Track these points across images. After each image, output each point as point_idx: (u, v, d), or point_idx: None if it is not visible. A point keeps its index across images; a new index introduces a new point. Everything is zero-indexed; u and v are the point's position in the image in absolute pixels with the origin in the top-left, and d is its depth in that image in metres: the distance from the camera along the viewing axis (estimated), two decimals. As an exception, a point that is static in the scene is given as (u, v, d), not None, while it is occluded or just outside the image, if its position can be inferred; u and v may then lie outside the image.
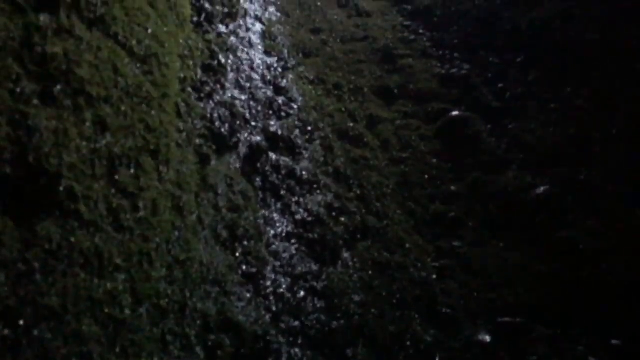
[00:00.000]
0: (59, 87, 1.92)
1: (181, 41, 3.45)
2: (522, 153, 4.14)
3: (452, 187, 4.00)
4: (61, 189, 1.66)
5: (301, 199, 3.45)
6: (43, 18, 2.08)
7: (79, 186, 1.74)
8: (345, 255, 3.27)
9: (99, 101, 2.09)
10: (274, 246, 3.00)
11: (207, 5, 4.24)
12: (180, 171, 2.50)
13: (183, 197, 2.39)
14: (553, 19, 5.03)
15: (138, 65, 2.56)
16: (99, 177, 1.87)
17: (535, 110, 4.44)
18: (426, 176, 4.09)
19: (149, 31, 2.77)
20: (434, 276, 3.30)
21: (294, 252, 3.09)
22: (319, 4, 6.39)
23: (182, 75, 3.25)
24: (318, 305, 2.82)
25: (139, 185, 2.06)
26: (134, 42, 2.60)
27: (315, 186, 3.62)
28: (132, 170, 2.08)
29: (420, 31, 5.93)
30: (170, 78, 2.82)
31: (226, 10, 4.51)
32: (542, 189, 3.74)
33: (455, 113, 4.53)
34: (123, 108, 2.22)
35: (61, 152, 1.73)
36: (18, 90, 1.76)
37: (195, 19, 4.06)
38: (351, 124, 4.46)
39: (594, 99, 4.26)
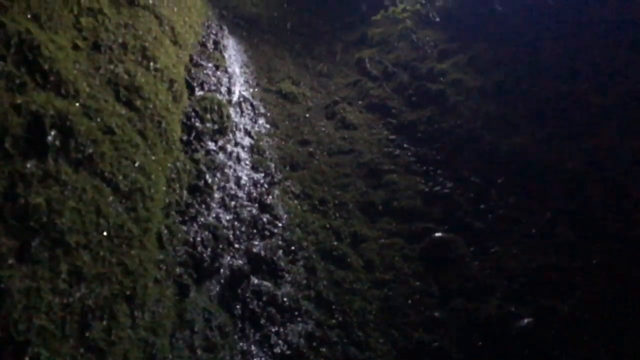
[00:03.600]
0: (37, 240, 1.90)
1: (169, 165, 3.49)
2: (505, 279, 4.12)
3: (436, 313, 3.94)
4: (26, 358, 1.59)
5: (281, 329, 3.36)
6: (29, 165, 2.11)
7: (46, 351, 1.67)
8: (325, 392, 3.14)
9: (77, 249, 2.07)
10: (249, 386, 2.87)
11: (197, 124, 4.35)
12: (156, 312, 2.43)
13: (156, 342, 2.31)
14: (532, 144, 5.23)
15: (122, 201, 2.57)
16: (69, 336, 1.81)
17: (517, 235, 4.49)
18: (409, 301, 4.03)
19: (136, 164, 2.81)
20: (417, 417, 3.16)
21: (270, 391, 2.95)
22: (307, 115, 6.61)
23: (167, 201, 3.26)
24: None
25: (110, 339, 1.99)
26: (120, 178, 2.63)
27: (296, 313, 3.54)
28: (105, 322, 2.01)
29: (405, 145, 6.10)
30: (154, 211, 2.83)
31: (216, 126, 4.63)
32: (525, 320, 3.70)
33: (438, 234, 4.56)
34: (102, 253, 2.19)
35: (31, 315, 1.68)
36: (-6, 249, 1.74)
37: (185, 137, 4.15)
38: (335, 243, 4.46)
39: (574, 227, 4.33)
